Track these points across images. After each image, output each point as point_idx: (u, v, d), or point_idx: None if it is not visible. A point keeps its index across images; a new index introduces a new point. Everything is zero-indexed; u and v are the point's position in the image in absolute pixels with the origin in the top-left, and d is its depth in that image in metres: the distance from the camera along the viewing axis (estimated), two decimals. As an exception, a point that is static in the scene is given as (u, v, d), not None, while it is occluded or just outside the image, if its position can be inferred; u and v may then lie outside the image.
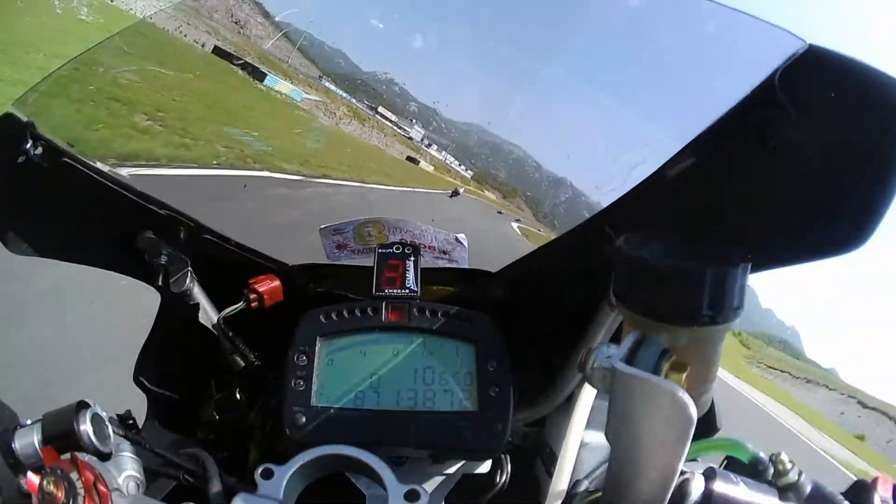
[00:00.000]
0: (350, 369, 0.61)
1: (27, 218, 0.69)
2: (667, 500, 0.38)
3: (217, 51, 1.75)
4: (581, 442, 0.68)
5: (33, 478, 0.42)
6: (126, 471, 0.49)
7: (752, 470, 0.42)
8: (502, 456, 0.69)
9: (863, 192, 0.43)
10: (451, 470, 0.63)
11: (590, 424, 0.68)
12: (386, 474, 0.46)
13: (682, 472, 0.39)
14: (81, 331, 2.55)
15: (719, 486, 0.38)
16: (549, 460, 0.70)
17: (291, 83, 1.78)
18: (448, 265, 0.74)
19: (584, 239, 0.63)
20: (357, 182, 2.04)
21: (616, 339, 0.60)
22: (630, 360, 0.38)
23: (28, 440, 0.45)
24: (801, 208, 0.47)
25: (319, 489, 0.51)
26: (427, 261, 0.72)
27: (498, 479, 0.70)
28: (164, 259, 0.68)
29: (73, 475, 0.41)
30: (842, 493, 0.38)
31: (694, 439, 0.37)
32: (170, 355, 0.75)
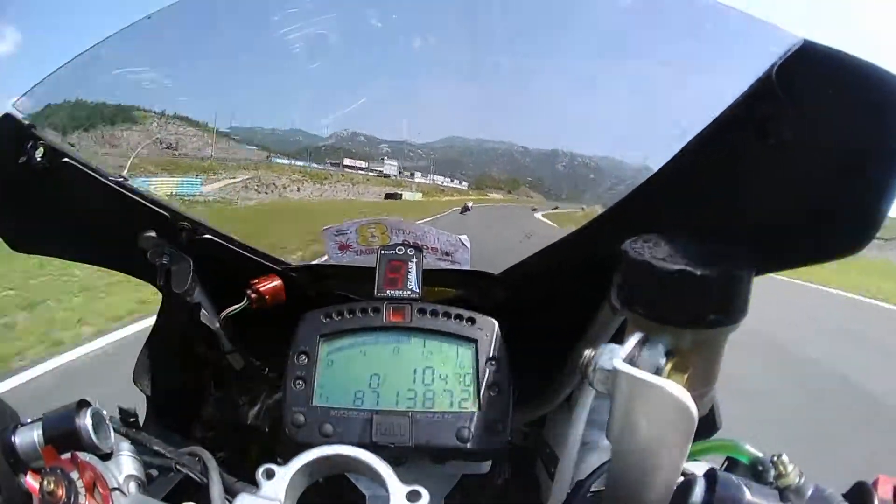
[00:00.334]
0: (350, 370, 0.61)
1: (29, 217, 0.69)
2: (668, 502, 0.38)
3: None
4: (581, 442, 0.67)
5: (33, 478, 0.42)
6: (126, 470, 0.49)
7: (752, 471, 0.42)
8: (502, 456, 0.69)
9: (864, 191, 0.43)
10: (451, 470, 0.63)
11: (590, 424, 0.68)
12: (388, 475, 0.46)
13: (684, 473, 0.39)
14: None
15: (720, 488, 0.38)
16: (550, 460, 0.70)
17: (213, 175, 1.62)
18: (450, 267, 0.74)
19: (588, 240, 0.63)
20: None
21: (616, 339, 0.60)
22: (632, 360, 0.38)
23: (29, 439, 0.45)
24: (805, 209, 0.47)
25: (320, 490, 0.50)
26: (429, 262, 0.72)
27: (498, 480, 0.70)
28: (165, 259, 0.68)
29: (74, 474, 0.41)
30: (842, 495, 0.38)
31: (694, 440, 0.37)
32: (170, 355, 0.75)
